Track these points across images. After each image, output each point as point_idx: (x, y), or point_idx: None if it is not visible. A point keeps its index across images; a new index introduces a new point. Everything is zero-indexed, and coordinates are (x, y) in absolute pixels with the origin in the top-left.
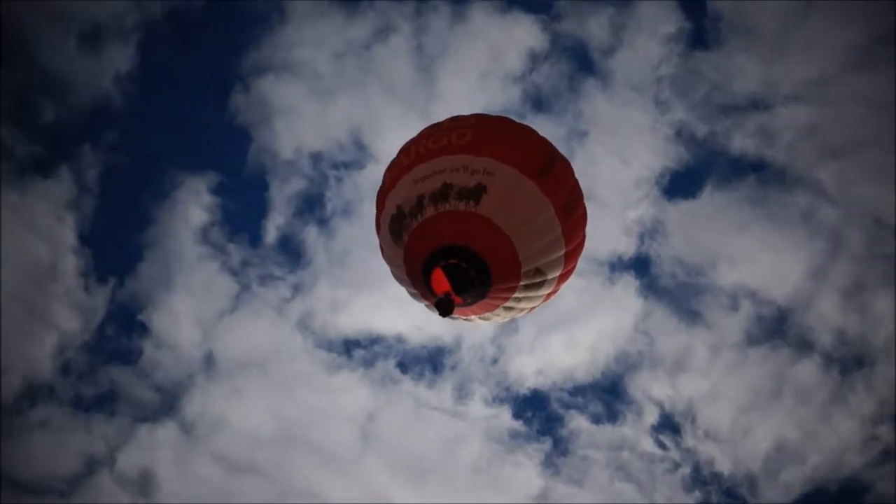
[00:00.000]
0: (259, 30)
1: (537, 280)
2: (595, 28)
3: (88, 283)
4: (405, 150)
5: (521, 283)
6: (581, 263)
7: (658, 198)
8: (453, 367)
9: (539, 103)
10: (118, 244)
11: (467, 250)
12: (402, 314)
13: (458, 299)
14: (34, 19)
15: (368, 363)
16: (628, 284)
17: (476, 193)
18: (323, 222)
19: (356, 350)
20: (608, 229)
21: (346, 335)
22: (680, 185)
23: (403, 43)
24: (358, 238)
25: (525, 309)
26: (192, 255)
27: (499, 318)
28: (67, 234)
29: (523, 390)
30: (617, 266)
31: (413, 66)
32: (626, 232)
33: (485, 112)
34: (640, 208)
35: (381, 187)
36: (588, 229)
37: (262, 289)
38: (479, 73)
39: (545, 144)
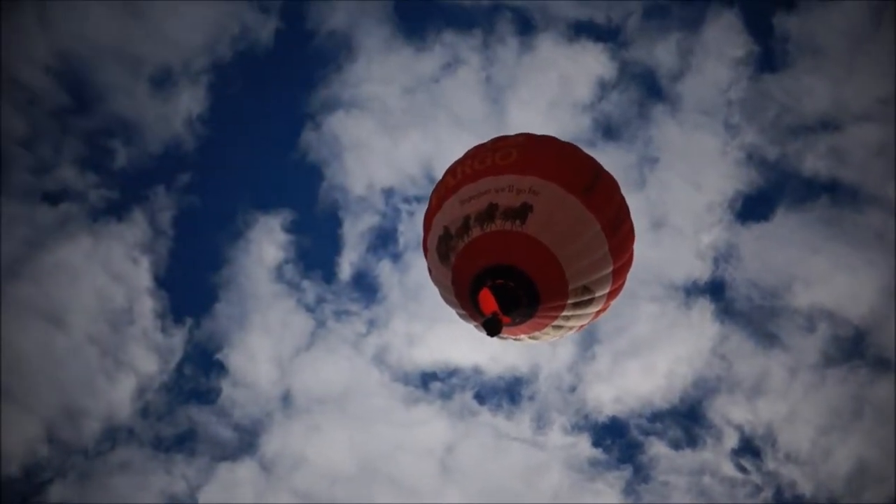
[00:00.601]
0: (328, 67)
1: (586, 298)
2: (663, 54)
3: (165, 325)
4: (451, 171)
5: (570, 301)
6: (656, 289)
7: (731, 221)
8: (531, 397)
9: (609, 131)
10: (194, 285)
11: (514, 269)
12: (478, 346)
13: (506, 319)
14: (106, 65)
15: (446, 395)
16: (704, 309)
17: (522, 213)
18: (396, 257)
19: (433, 383)
20: (682, 254)
21: (422, 368)
22: (752, 207)
23: (472, 75)
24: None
25: (574, 327)
26: (268, 293)
27: (548, 336)
28: (143, 276)
29: (602, 418)
30: (692, 291)
31: (482, 97)
32: (701, 256)
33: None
34: (713, 232)
35: (429, 209)
36: (662, 255)
37: (337, 325)
38: (549, 102)
39: (590, 162)
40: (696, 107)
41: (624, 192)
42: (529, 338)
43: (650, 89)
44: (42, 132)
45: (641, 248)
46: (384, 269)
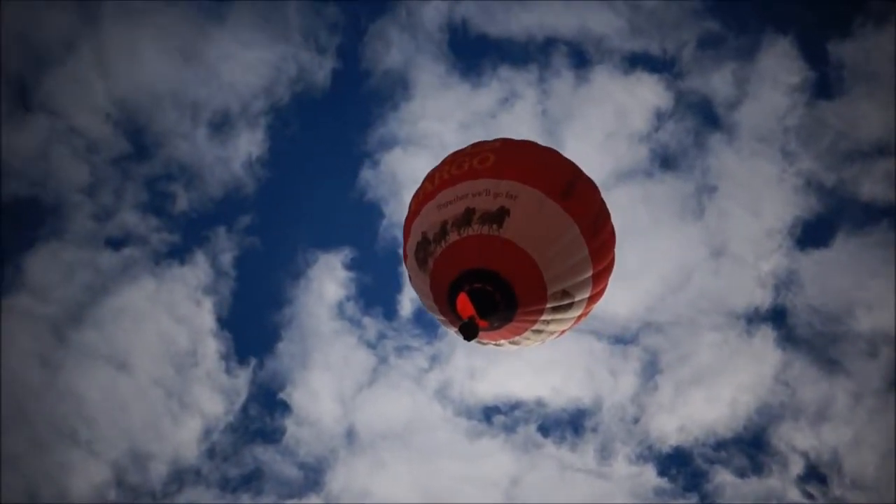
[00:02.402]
0: (384, 106)
1: (565, 302)
2: (718, 83)
3: (229, 366)
4: (430, 177)
5: (549, 305)
6: (718, 317)
7: (791, 248)
8: (594, 429)
9: (666, 161)
10: (256, 325)
11: (491, 273)
12: (540, 378)
13: (483, 323)
14: (164, 111)
15: (509, 429)
16: (766, 336)
17: (499, 217)
18: None
19: (496, 416)
20: (743, 282)
21: (485, 402)
22: (812, 233)
23: (529, 109)
24: None
25: (555, 332)
26: (329, 330)
27: (529, 342)
28: (206, 318)
29: (666, 448)
30: (754, 318)
31: (539, 131)
32: (761, 284)
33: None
34: (773, 259)
35: (408, 215)
36: (723, 283)
37: (399, 360)
38: (605, 134)
39: (569, 165)
40: (753, 134)
41: (683, 221)
42: (510, 343)
43: (706, 118)
44: (103, 179)
45: (703, 277)
46: None
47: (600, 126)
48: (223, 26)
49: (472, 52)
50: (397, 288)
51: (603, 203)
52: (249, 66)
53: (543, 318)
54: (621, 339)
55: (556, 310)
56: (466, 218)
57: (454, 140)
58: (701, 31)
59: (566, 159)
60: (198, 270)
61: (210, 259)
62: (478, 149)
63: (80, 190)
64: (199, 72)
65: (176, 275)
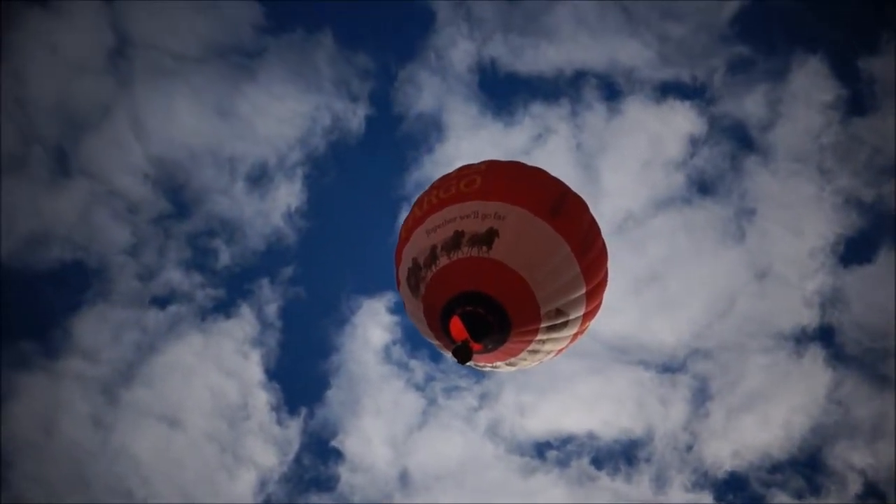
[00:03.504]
0: (419, 149)
1: (560, 321)
2: (751, 105)
3: (280, 417)
4: (418, 203)
5: (543, 324)
6: (766, 340)
7: (834, 266)
8: (648, 459)
9: (704, 187)
10: (305, 374)
11: (483, 296)
12: (590, 411)
13: (476, 346)
14: (202, 167)
15: (563, 463)
16: (815, 356)
17: (488, 238)
18: None
19: (549, 451)
20: (789, 303)
21: (536, 438)
22: (854, 250)
23: (563, 143)
24: None
25: (552, 351)
26: (377, 375)
27: (526, 362)
28: (255, 370)
29: (721, 474)
30: (802, 339)
31: (575, 164)
32: (807, 304)
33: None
34: (817, 278)
35: (398, 242)
36: (769, 305)
37: (448, 401)
38: (641, 163)
39: (556, 184)
40: (789, 155)
41: (724, 246)
42: (506, 364)
43: (741, 141)
44: (146, 239)
45: (748, 300)
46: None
47: (635, 156)
48: (255, 81)
49: (502, 91)
50: None
51: (593, 219)
52: (284, 118)
53: (538, 338)
54: (669, 368)
55: (550, 329)
56: (456, 241)
57: None
58: (730, 56)
59: (553, 178)
60: (244, 323)
61: (255, 311)
62: (464, 172)
63: (123, 251)
64: (235, 127)
65: (222, 329)
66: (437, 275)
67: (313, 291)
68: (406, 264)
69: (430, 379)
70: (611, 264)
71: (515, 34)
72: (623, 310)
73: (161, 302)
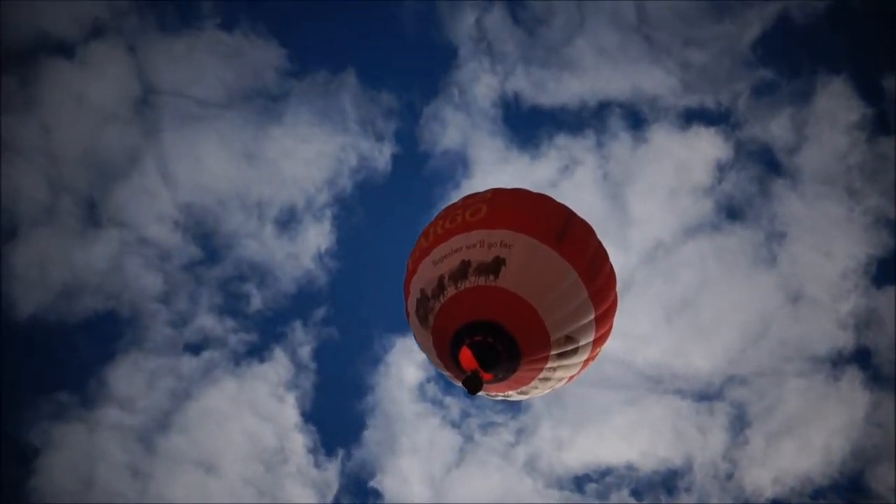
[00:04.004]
0: (446, 185)
1: (570, 348)
2: (777, 129)
3: (318, 459)
4: (424, 233)
5: (553, 352)
6: (802, 364)
7: (867, 287)
8: (688, 489)
9: (732, 212)
10: (341, 416)
11: (491, 325)
12: (628, 442)
13: (487, 376)
14: (230, 212)
15: (602, 495)
16: (853, 378)
17: (494, 267)
18: None
19: (588, 484)
20: (823, 326)
21: (575, 471)
22: (886, 270)
23: (589, 174)
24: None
25: (563, 378)
26: (413, 414)
27: (537, 391)
28: (290, 413)
29: (763, 501)
30: (838, 361)
31: (602, 195)
32: (842, 326)
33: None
34: (851, 300)
35: (406, 273)
36: (803, 329)
37: (485, 437)
38: (668, 190)
39: (561, 210)
40: (817, 177)
41: (756, 270)
42: (518, 393)
43: (768, 165)
44: (177, 286)
45: (782, 325)
46: None
47: (663, 183)
48: (281, 124)
49: (527, 124)
50: None
51: (599, 244)
52: (310, 160)
53: (549, 365)
54: (706, 396)
55: (561, 356)
56: (462, 271)
57: None
58: (754, 80)
59: (559, 204)
60: (278, 367)
61: (289, 354)
62: (469, 201)
63: (155, 299)
64: (262, 171)
65: (257, 373)
66: (445, 305)
67: (346, 332)
68: (414, 295)
69: (465, 416)
70: (642, 293)
71: (537, 67)
72: (656, 338)
73: (194, 348)
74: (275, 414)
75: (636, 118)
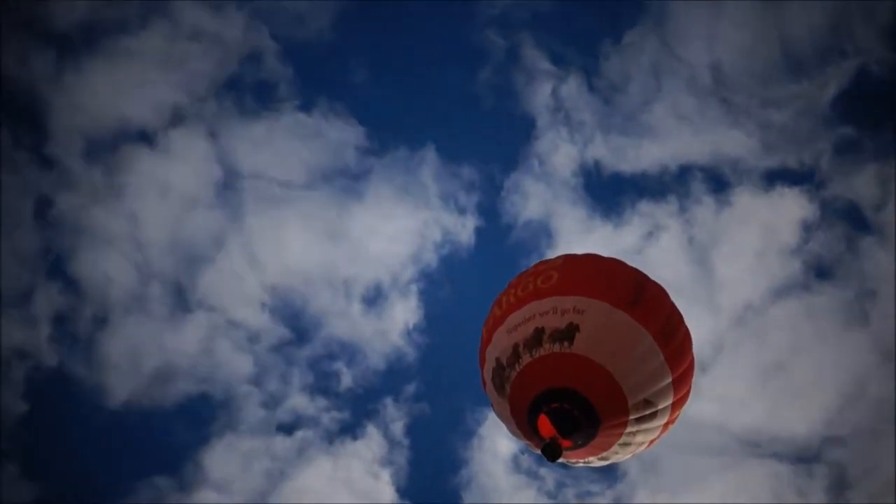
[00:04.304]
0: (530, 256)
1: (648, 412)
2: (861, 186)
3: None
4: (497, 302)
5: (632, 416)
6: None
7: None
8: None
9: (821, 272)
10: (436, 490)
11: (568, 391)
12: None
13: (566, 443)
14: (317, 292)
15: None
16: None
17: (569, 333)
18: None
19: None
20: None
21: None
22: None
23: (674, 239)
24: (667, 441)
25: (644, 443)
26: (508, 486)
27: (618, 455)
28: (386, 489)
29: None
30: None
31: (688, 259)
32: None
33: None
34: None
35: (481, 343)
36: None
37: None
38: (755, 253)
39: (634, 273)
40: None
41: (848, 329)
42: (598, 459)
43: (855, 223)
44: (267, 367)
45: (878, 383)
46: None
47: (749, 246)
48: (363, 202)
49: (609, 192)
50: None
51: (673, 306)
52: (394, 236)
53: (628, 430)
54: (804, 458)
55: (640, 420)
56: (537, 338)
57: None
58: (835, 138)
59: (631, 267)
60: (371, 443)
61: (382, 431)
62: (541, 268)
63: (246, 380)
64: (347, 249)
65: (350, 451)
66: (521, 373)
67: (437, 406)
68: (490, 364)
69: (561, 486)
70: (734, 357)
71: (616, 134)
72: (751, 402)
73: (287, 428)
74: (370, 491)
75: (718, 181)
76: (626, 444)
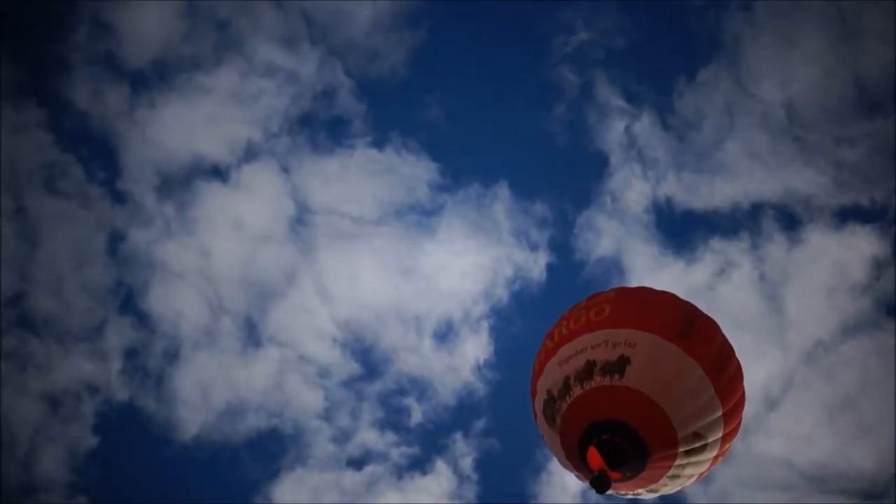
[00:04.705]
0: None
1: (698, 444)
2: None
3: None
4: (549, 335)
5: (681, 449)
6: None
7: None
8: None
9: (891, 309)
10: None
11: (618, 424)
12: None
13: (615, 475)
14: (388, 327)
15: None
16: None
17: (620, 366)
18: None
19: None
20: None
21: None
22: None
23: (745, 276)
24: (735, 477)
25: (693, 475)
26: None
27: (667, 488)
28: None
29: None
30: None
31: (759, 296)
32: None
33: None
34: None
35: (532, 374)
36: None
37: None
38: (826, 290)
39: (685, 306)
40: None
41: None
42: (647, 492)
43: None
44: (338, 402)
45: None
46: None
47: (820, 283)
48: (435, 238)
49: (681, 229)
50: None
51: (725, 339)
52: (466, 272)
53: (678, 462)
54: (872, 495)
55: (689, 453)
56: (588, 371)
57: None
58: None
59: (682, 301)
60: (441, 479)
61: (451, 466)
62: (594, 301)
63: (316, 415)
64: (418, 285)
65: (419, 486)
66: (572, 405)
67: (507, 442)
68: (541, 396)
69: None
70: (803, 393)
71: (689, 171)
72: (819, 438)
73: (357, 463)
74: None
75: (790, 219)
76: (675, 477)
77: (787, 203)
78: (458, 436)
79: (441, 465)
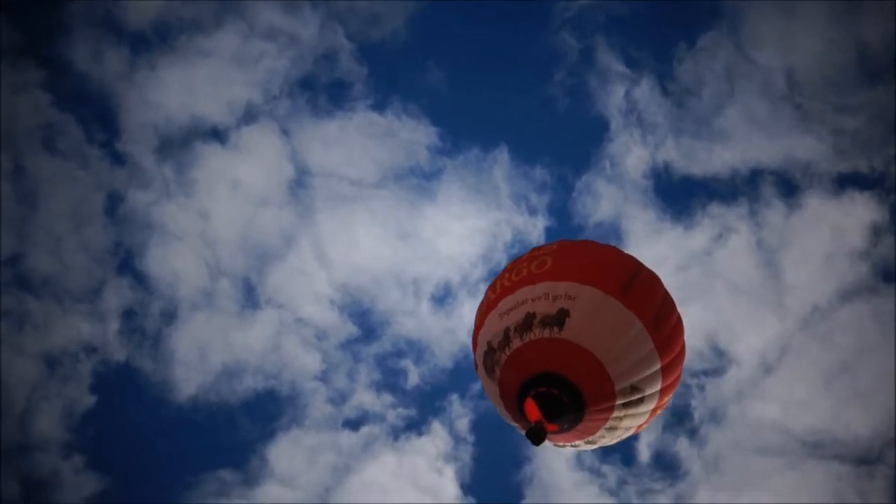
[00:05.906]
0: None
1: (635, 397)
2: None
3: None
4: (492, 287)
5: (618, 401)
6: None
7: None
8: None
9: (889, 275)
10: (499, 487)
11: (555, 376)
12: None
13: (552, 427)
14: (386, 290)
15: None
16: None
17: (559, 319)
18: (692, 432)
19: None
20: None
21: None
22: None
23: (743, 242)
24: (730, 441)
25: (631, 427)
26: (570, 483)
27: (605, 440)
28: (449, 485)
29: None
30: None
31: (757, 262)
32: None
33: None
34: None
35: (474, 326)
36: None
37: None
38: (824, 256)
39: (628, 260)
40: None
41: None
42: (585, 443)
43: None
44: (335, 364)
45: None
46: (682, 446)
47: (818, 249)
48: (434, 202)
49: (679, 195)
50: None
51: (666, 294)
52: (464, 236)
53: (615, 415)
54: (866, 460)
55: (626, 406)
56: (527, 323)
57: (672, 283)
58: None
59: (626, 255)
60: (436, 440)
61: (447, 427)
62: (535, 253)
63: (313, 377)
64: (416, 248)
65: (415, 447)
66: (511, 357)
67: None
68: (482, 348)
69: (623, 482)
70: (799, 359)
71: (688, 137)
72: (815, 403)
73: (353, 424)
74: (435, 487)
75: (789, 185)
76: (612, 429)
77: (786, 169)
78: (455, 397)
79: (437, 427)
